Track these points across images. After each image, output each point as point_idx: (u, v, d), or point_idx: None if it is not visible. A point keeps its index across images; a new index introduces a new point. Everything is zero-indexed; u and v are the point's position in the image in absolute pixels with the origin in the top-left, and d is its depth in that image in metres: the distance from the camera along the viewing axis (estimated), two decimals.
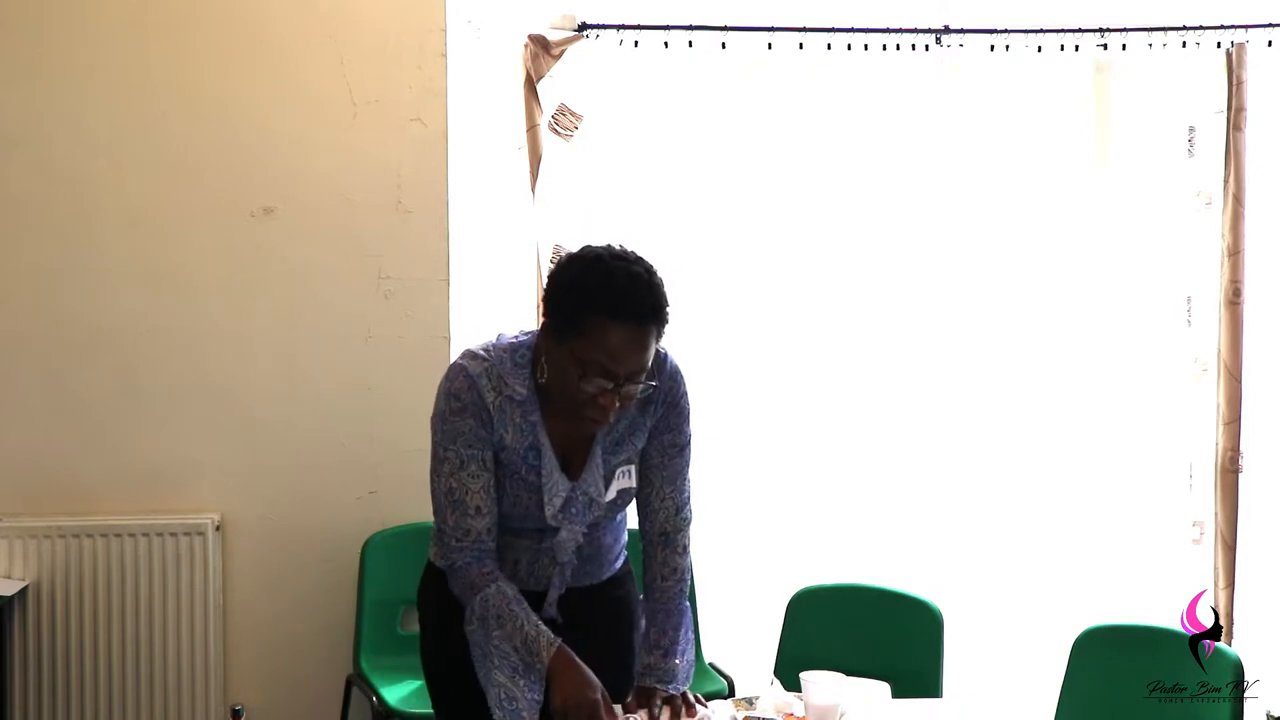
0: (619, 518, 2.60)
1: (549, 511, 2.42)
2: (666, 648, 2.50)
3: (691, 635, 2.57)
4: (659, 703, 2.44)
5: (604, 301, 2.28)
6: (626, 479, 2.49)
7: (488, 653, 2.37)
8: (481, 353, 2.42)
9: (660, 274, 2.35)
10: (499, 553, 2.47)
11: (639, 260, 2.34)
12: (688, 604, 2.58)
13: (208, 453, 3.74)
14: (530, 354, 2.41)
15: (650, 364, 2.35)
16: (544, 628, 2.35)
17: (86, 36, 3.66)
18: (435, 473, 2.42)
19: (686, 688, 2.50)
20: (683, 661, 2.51)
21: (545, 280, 2.44)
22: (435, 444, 2.42)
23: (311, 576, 3.78)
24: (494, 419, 2.38)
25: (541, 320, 2.41)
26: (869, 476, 4.17)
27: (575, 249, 2.41)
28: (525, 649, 2.33)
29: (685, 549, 2.56)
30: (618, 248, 2.36)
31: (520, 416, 2.40)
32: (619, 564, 2.65)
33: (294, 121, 3.73)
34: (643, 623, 2.58)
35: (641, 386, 2.34)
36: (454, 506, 2.39)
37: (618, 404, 2.32)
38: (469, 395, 2.38)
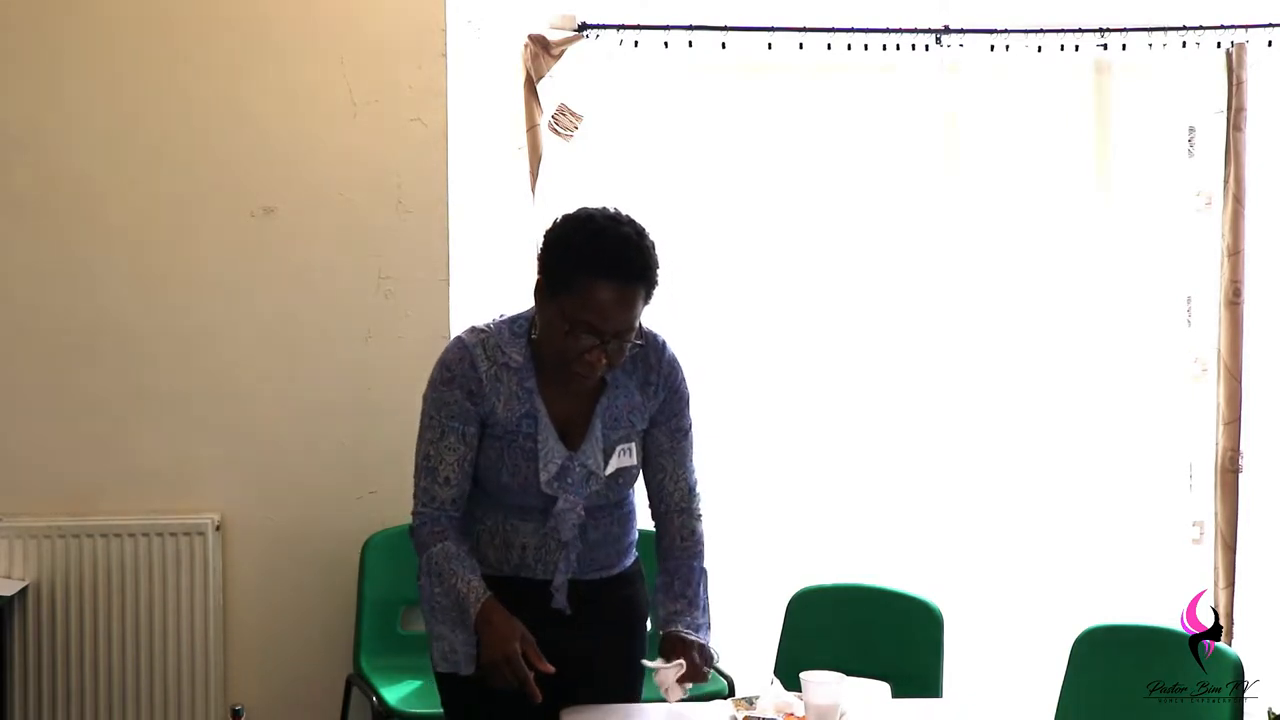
0: (628, 508, 2.64)
1: (543, 477, 2.46)
2: (691, 598, 2.56)
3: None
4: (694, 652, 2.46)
5: (593, 260, 2.35)
6: (627, 457, 2.54)
7: (432, 607, 2.51)
8: (482, 326, 2.51)
9: (651, 237, 2.42)
10: (506, 538, 2.53)
11: (630, 222, 2.42)
12: (704, 567, 2.64)
13: (208, 453, 3.74)
14: (528, 324, 2.49)
15: (638, 324, 2.42)
16: (475, 583, 2.44)
17: (86, 37, 3.66)
18: (419, 437, 2.52)
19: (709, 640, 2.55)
20: (705, 616, 2.57)
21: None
22: (423, 410, 2.51)
23: (311, 576, 3.78)
24: (485, 389, 2.45)
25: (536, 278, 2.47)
26: (868, 476, 4.17)
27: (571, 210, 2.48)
28: (458, 606, 2.45)
29: (701, 517, 2.64)
30: (611, 209, 2.44)
31: (516, 383, 2.46)
32: (629, 561, 2.67)
33: (294, 121, 3.73)
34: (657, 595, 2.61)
35: (629, 345, 2.41)
36: (427, 472, 2.49)
37: (604, 361, 2.38)
38: (459, 367, 2.45)
